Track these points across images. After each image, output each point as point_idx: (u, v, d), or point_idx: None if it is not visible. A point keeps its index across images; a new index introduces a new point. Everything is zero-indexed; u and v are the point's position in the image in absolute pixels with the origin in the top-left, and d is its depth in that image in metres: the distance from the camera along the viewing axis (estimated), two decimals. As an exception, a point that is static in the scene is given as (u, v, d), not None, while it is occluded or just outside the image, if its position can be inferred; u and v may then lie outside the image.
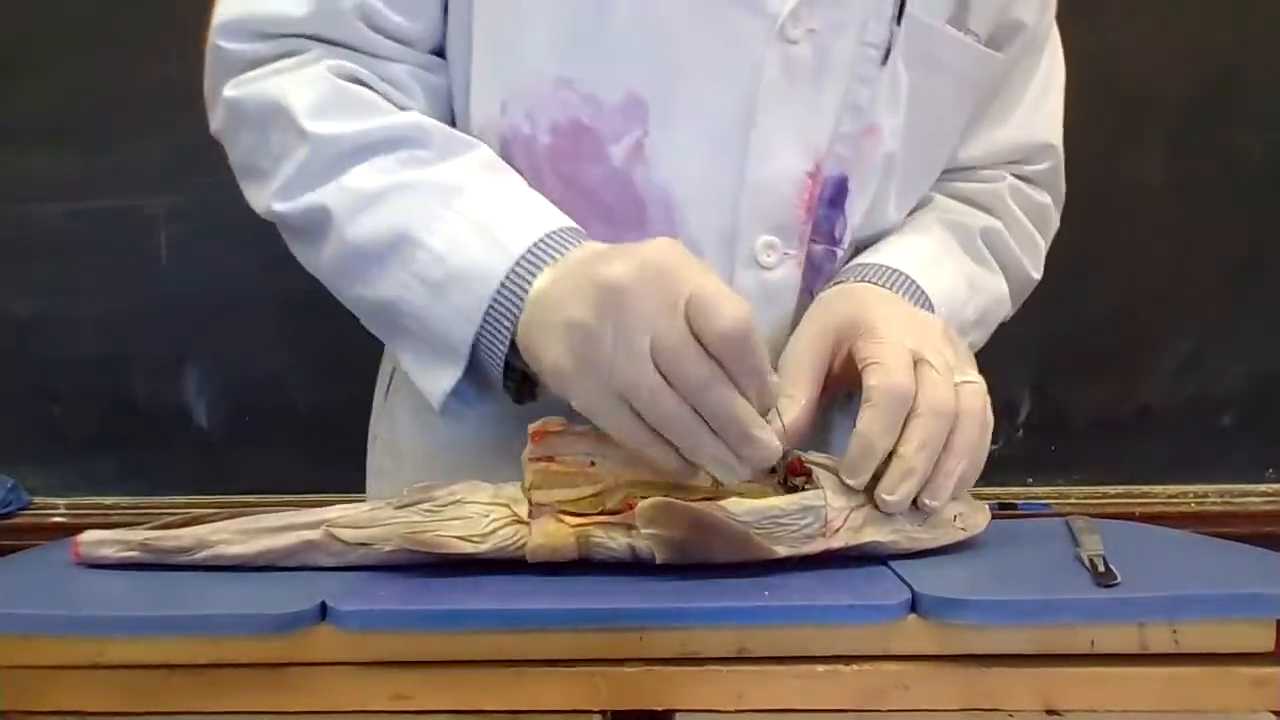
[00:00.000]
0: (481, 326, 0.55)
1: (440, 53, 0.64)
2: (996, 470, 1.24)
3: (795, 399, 0.55)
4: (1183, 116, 1.17)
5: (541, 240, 0.54)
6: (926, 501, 0.52)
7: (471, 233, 0.55)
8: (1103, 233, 1.18)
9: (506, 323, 0.54)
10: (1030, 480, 1.23)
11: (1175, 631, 0.45)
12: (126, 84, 1.15)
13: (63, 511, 1.21)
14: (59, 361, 1.19)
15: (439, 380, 0.57)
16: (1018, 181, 0.73)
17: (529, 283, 0.53)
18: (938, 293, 0.64)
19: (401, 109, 0.61)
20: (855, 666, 0.45)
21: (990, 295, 0.70)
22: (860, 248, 0.68)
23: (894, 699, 0.45)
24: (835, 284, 0.64)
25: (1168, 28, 1.15)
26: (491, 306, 0.54)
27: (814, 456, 0.55)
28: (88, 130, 1.16)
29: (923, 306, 0.63)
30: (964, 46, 0.64)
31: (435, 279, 0.55)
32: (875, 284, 0.62)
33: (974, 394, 0.54)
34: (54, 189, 1.17)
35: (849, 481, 0.52)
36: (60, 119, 1.16)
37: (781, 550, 0.50)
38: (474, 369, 0.57)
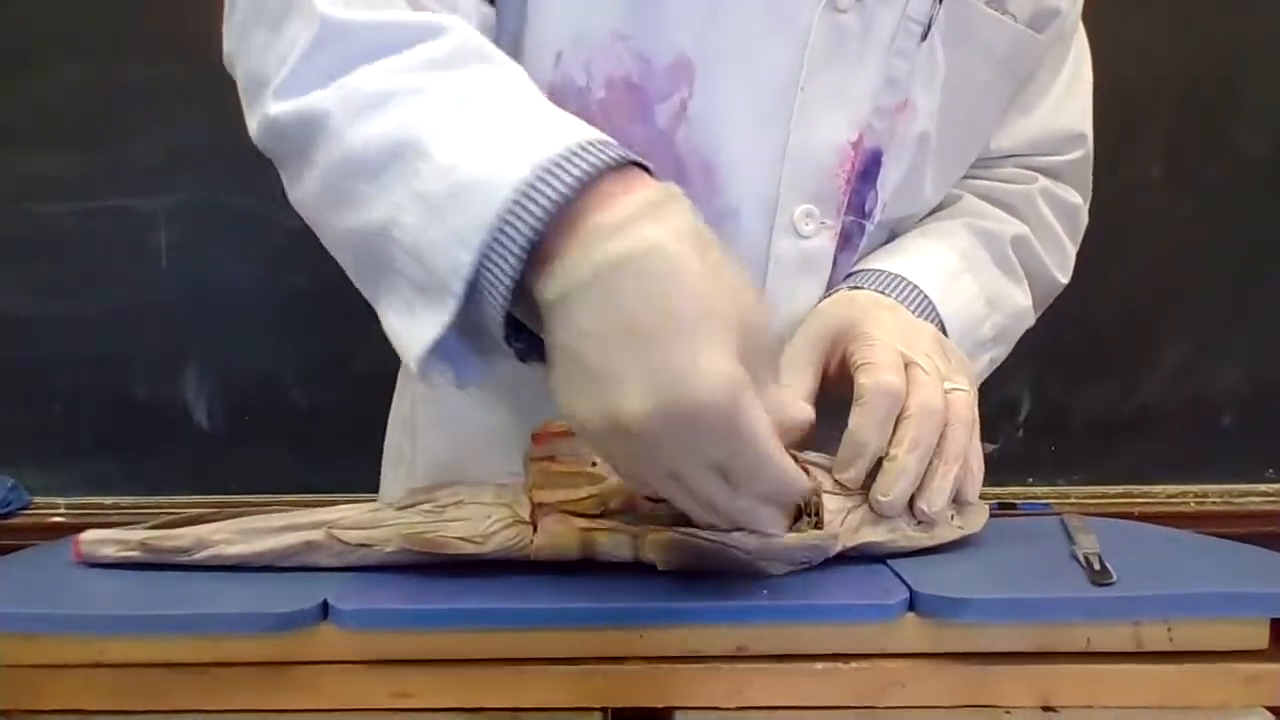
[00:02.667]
0: (484, 256, 0.43)
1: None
2: (996, 470, 1.23)
3: (795, 389, 0.55)
4: (1183, 116, 1.17)
5: (573, 148, 0.43)
6: (924, 509, 0.52)
7: (486, 142, 0.45)
8: (1103, 233, 1.17)
9: (516, 247, 0.42)
10: (1030, 480, 1.24)
11: (1170, 629, 0.46)
12: (126, 84, 1.15)
13: (63, 511, 1.21)
14: (59, 361, 1.19)
15: (421, 329, 0.45)
16: (1049, 183, 0.72)
17: (552, 201, 0.42)
18: (953, 309, 0.64)
19: None
20: (854, 664, 0.45)
21: (1011, 311, 0.69)
22: (889, 226, 0.68)
23: (892, 696, 0.45)
24: (842, 289, 0.64)
25: (1167, 27, 1.15)
26: (502, 229, 0.42)
27: (810, 456, 0.55)
28: (88, 130, 1.16)
29: (932, 322, 0.63)
30: (1003, 26, 0.64)
31: (435, 196, 0.44)
32: (884, 294, 0.62)
33: (962, 401, 0.54)
34: (54, 189, 1.17)
35: (839, 478, 0.52)
36: (60, 119, 1.16)
37: (781, 569, 0.50)
38: (470, 324, 0.46)
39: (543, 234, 0.42)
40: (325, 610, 0.45)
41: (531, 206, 0.42)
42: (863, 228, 0.65)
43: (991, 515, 0.57)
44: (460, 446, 0.72)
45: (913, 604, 0.46)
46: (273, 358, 1.20)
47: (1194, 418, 1.22)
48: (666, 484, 0.44)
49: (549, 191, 0.42)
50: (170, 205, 1.18)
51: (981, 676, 0.45)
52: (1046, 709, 0.45)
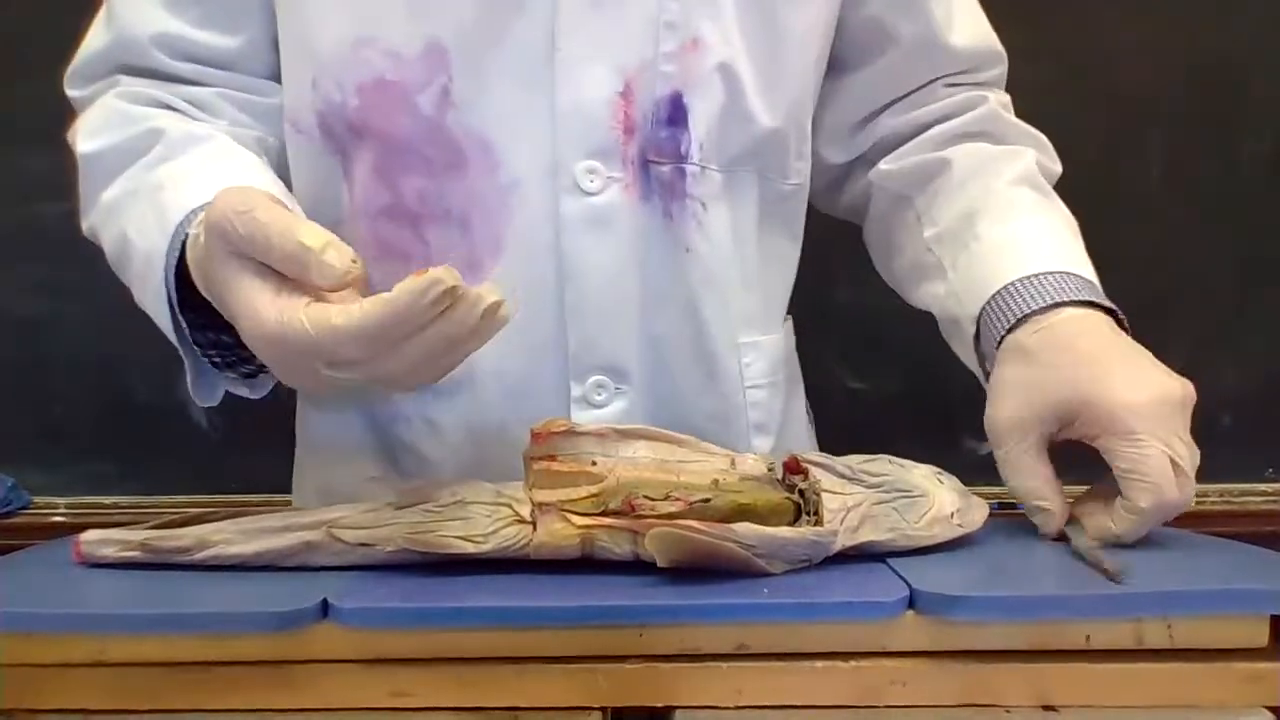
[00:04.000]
0: (176, 309, 0.55)
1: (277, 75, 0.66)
2: (996, 470, 1.24)
3: (1051, 511, 0.58)
4: (1183, 116, 1.17)
5: (190, 215, 0.54)
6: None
7: (153, 220, 0.56)
8: (1102, 233, 1.18)
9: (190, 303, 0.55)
10: (1030, 480, 1.23)
11: (1170, 627, 0.46)
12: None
13: (63, 511, 1.21)
14: (59, 361, 1.19)
15: (189, 376, 0.59)
16: (990, 93, 0.74)
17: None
18: (1088, 270, 0.64)
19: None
20: (853, 663, 0.45)
21: (1072, 223, 0.69)
22: (735, 159, 0.66)
23: (892, 695, 0.45)
24: (1026, 320, 0.60)
25: (1167, 28, 1.15)
26: (172, 288, 0.55)
27: (811, 456, 0.55)
28: (88, 131, 1.16)
29: (1091, 294, 0.61)
30: None
31: (141, 271, 0.57)
32: (1066, 306, 0.60)
33: (1187, 489, 0.55)
34: (54, 189, 1.16)
35: (1088, 527, 0.55)
36: (60, 119, 1.16)
37: (780, 567, 0.50)
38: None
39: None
40: (325, 610, 0.45)
41: (170, 276, 0.54)
42: (683, 171, 0.64)
43: (991, 515, 0.57)
44: (321, 462, 0.74)
45: (912, 602, 0.46)
46: (273, 358, 1.19)
47: (1194, 418, 1.22)
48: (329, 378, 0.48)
49: (172, 260, 0.54)
50: (170, 205, 1.18)
51: (981, 675, 0.45)
52: (1046, 708, 0.45)
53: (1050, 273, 0.61)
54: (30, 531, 1.16)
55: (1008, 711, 0.45)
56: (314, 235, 0.46)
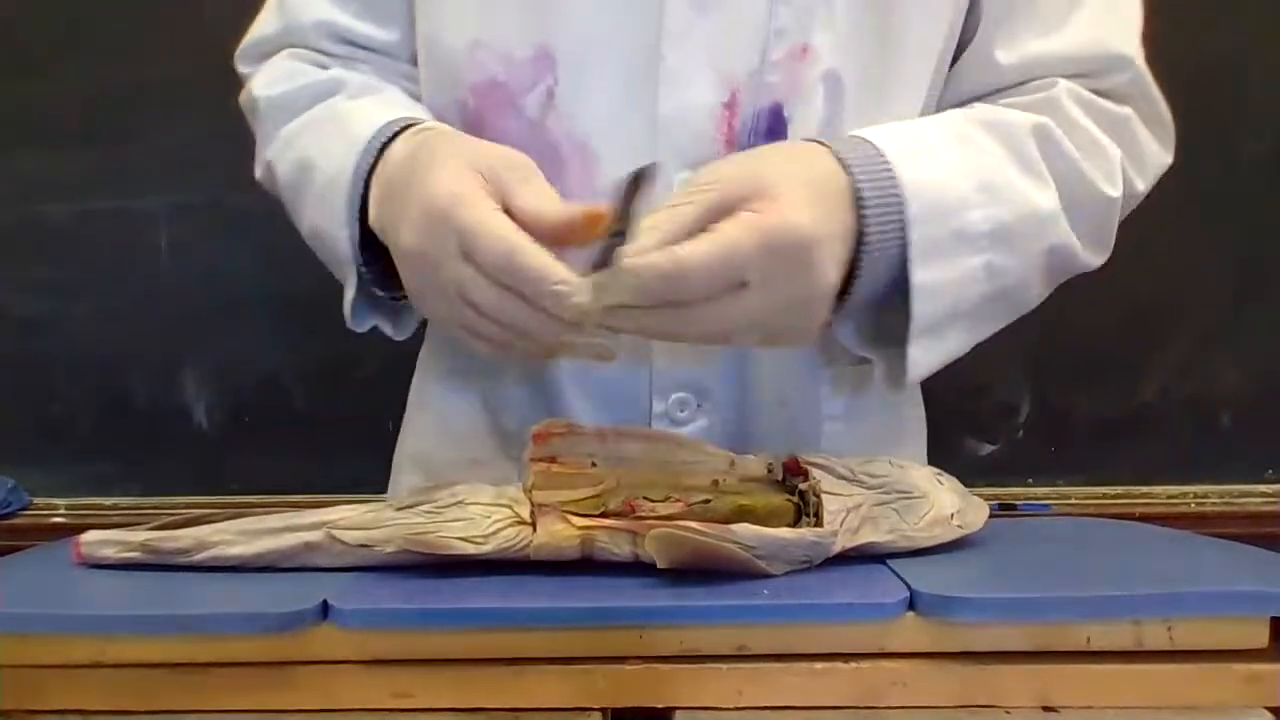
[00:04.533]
0: (352, 228, 0.58)
1: None
2: (996, 470, 1.25)
3: (654, 229, 0.49)
4: (1183, 116, 1.17)
5: (377, 134, 0.57)
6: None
7: (340, 141, 0.59)
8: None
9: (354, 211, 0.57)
10: (1030, 480, 1.23)
11: (1170, 629, 0.46)
12: (126, 84, 1.15)
13: (63, 511, 1.21)
14: (59, 361, 1.19)
15: (349, 294, 0.61)
16: (1075, 86, 0.61)
17: (374, 174, 0.57)
18: (918, 177, 0.54)
19: None
20: (854, 664, 0.45)
21: (1021, 208, 0.56)
22: None
23: (892, 696, 0.45)
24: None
25: (1167, 28, 1.15)
26: (358, 194, 0.58)
27: (812, 457, 0.55)
28: (88, 130, 1.16)
29: (884, 193, 0.53)
30: None
31: (321, 192, 0.59)
32: (826, 147, 0.54)
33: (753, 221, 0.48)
34: (54, 189, 1.17)
35: (624, 259, 0.47)
36: (60, 119, 1.16)
37: (780, 569, 0.50)
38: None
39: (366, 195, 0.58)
40: (325, 610, 0.45)
41: (359, 184, 0.57)
42: None
43: (991, 515, 0.57)
44: (435, 435, 0.73)
45: (913, 603, 0.46)
46: (273, 358, 1.20)
47: (1194, 418, 1.22)
48: (458, 307, 0.51)
49: (364, 166, 0.57)
50: (170, 205, 1.18)
51: (981, 676, 0.45)
52: (1046, 709, 0.45)
53: (854, 136, 0.56)
54: (30, 532, 1.17)
55: (1008, 713, 0.45)
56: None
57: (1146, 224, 1.13)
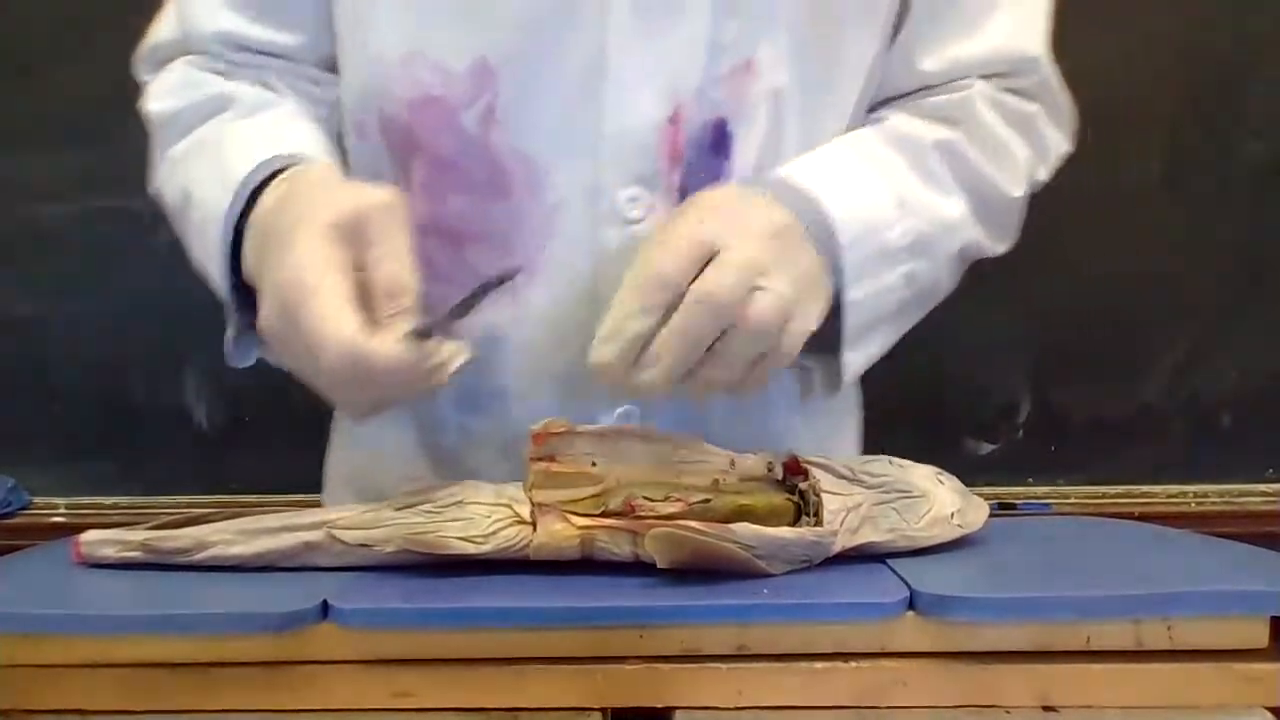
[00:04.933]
0: (225, 272, 0.57)
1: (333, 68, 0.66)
2: (996, 470, 1.25)
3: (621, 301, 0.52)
4: (1183, 116, 1.17)
5: (248, 178, 0.56)
6: (649, 377, 0.51)
7: (216, 179, 0.58)
8: (1102, 233, 1.18)
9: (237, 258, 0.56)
10: (1030, 480, 1.23)
11: (1170, 628, 0.46)
12: (126, 84, 1.15)
13: (63, 511, 1.21)
14: (59, 361, 1.19)
15: (228, 333, 0.61)
16: (990, 88, 0.65)
17: (247, 218, 0.56)
18: (845, 208, 0.57)
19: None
20: (854, 664, 0.45)
21: (933, 219, 0.61)
22: None
23: (892, 696, 0.45)
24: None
25: (1167, 28, 1.15)
26: (228, 242, 0.56)
27: (812, 457, 0.55)
28: (88, 130, 1.16)
29: (820, 229, 0.56)
30: None
31: (199, 228, 0.59)
32: (760, 192, 0.57)
33: (765, 304, 0.51)
34: (54, 189, 1.17)
35: (591, 359, 0.51)
36: (60, 119, 1.16)
37: (780, 568, 0.50)
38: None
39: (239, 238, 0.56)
40: (325, 610, 0.45)
41: (229, 231, 0.56)
42: None
43: (991, 515, 0.57)
44: (367, 455, 0.72)
45: (913, 603, 0.46)
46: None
47: (1194, 418, 1.22)
48: (319, 381, 0.51)
49: (234, 214, 0.56)
50: (170, 205, 1.18)
51: (981, 675, 0.45)
52: (1046, 708, 0.45)
53: (773, 177, 0.59)
54: (30, 531, 1.17)
55: (1008, 712, 0.45)
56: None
57: (1147, 224, 1.14)
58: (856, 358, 0.60)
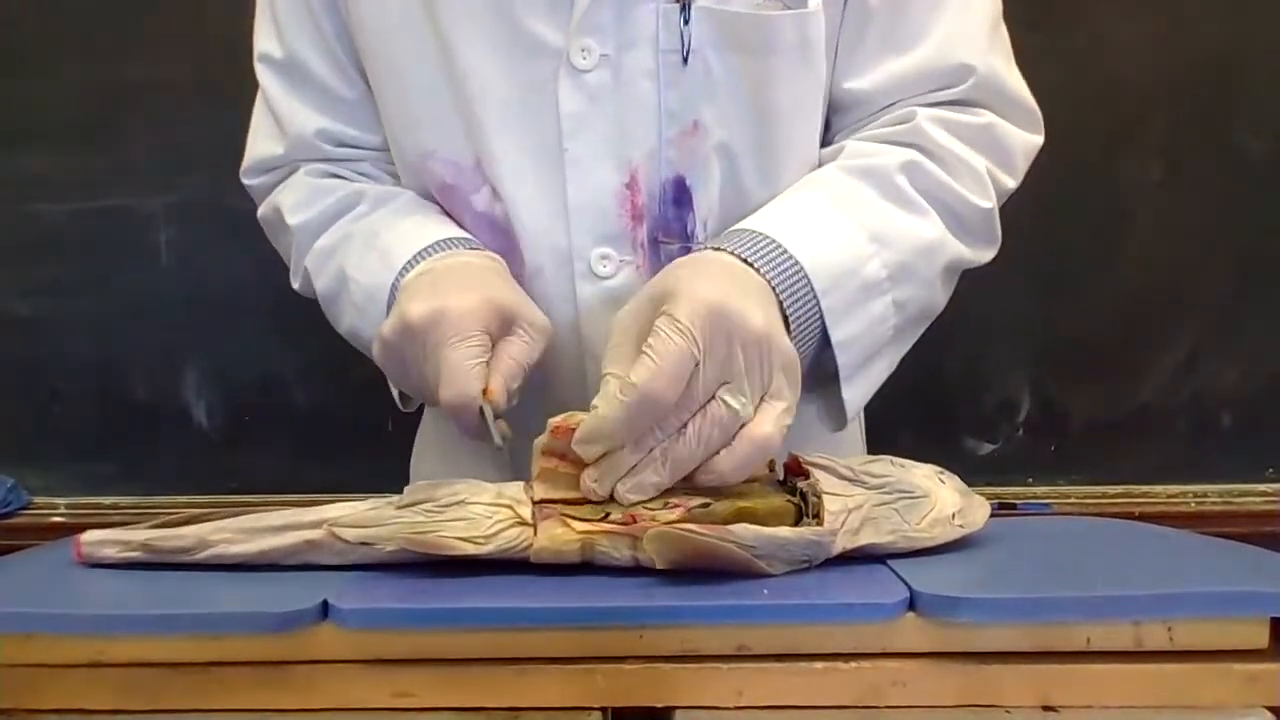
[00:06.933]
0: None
1: None
2: (996, 470, 1.25)
3: (612, 377, 0.52)
4: (1183, 116, 1.17)
5: (417, 254, 0.64)
6: (622, 493, 0.51)
7: (377, 259, 0.66)
8: (1103, 233, 1.18)
9: None
10: (1030, 480, 1.24)
11: (1170, 629, 0.46)
12: (126, 84, 1.15)
13: (63, 511, 1.22)
14: (59, 361, 1.19)
15: (393, 388, 0.70)
16: (935, 110, 0.66)
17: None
18: (819, 256, 0.59)
19: None
20: (854, 664, 0.45)
21: (911, 245, 0.63)
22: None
23: (892, 696, 0.45)
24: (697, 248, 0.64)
25: (1167, 27, 1.15)
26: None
27: (813, 457, 0.55)
28: (88, 130, 1.16)
29: (791, 277, 0.58)
30: (764, 20, 0.63)
31: (360, 302, 0.67)
32: (736, 254, 0.58)
33: (768, 418, 0.52)
34: (54, 189, 1.17)
35: (574, 444, 0.51)
36: (60, 119, 1.16)
37: (780, 568, 0.50)
38: None
39: None
40: (325, 610, 0.45)
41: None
42: (688, 250, 0.66)
43: (991, 515, 0.57)
44: (450, 468, 0.73)
45: (913, 604, 0.46)
46: (273, 358, 1.20)
47: (1194, 418, 1.22)
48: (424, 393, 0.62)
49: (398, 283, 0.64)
50: (170, 205, 1.18)
51: (981, 676, 0.45)
52: (1046, 709, 0.45)
53: (742, 230, 0.61)
54: (30, 531, 1.17)
55: (1008, 712, 0.45)
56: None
57: (1147, 224, 1.14)
58: (856, 393, 0.63)
